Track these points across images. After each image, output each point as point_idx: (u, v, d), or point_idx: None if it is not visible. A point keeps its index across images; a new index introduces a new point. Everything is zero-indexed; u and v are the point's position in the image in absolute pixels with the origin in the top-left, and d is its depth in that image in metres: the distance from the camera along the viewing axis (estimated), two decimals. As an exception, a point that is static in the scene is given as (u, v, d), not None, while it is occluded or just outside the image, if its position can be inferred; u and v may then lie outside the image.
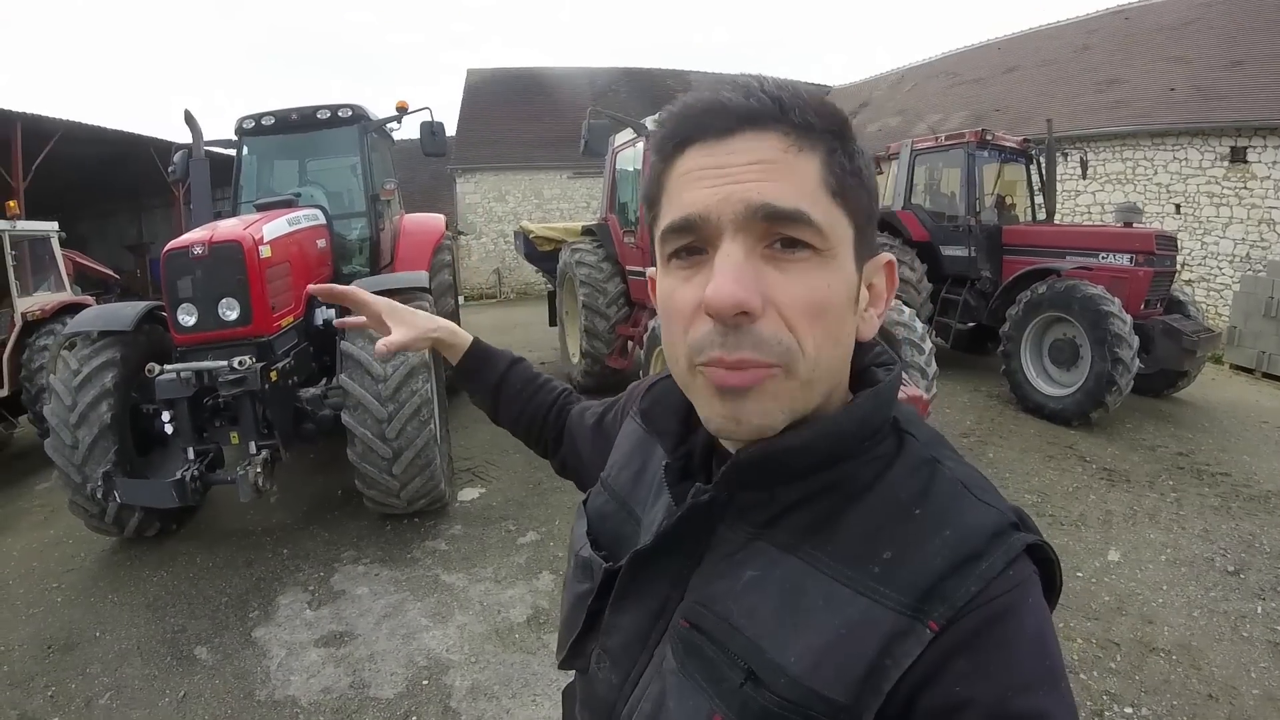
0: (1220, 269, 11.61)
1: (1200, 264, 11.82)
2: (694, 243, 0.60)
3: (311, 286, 1.30)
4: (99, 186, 17.08)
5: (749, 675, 0.58)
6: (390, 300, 1.22)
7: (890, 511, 0.60)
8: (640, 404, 0.86)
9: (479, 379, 1.21)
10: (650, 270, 0.72)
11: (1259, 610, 3.68)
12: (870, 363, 0.70)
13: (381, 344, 1.17)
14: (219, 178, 6.26)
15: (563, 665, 0.80)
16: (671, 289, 0.63)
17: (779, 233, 0.58)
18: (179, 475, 3.90)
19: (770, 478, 0.63)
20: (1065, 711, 0.53)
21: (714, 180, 0.58)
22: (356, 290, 1.22)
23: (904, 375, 4.14)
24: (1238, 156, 11.19)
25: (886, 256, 0.68)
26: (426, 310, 4.64)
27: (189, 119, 5.31)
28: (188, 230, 4.59)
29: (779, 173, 0.58)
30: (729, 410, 0.60)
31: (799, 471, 0.62)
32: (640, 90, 21.65)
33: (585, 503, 0.87)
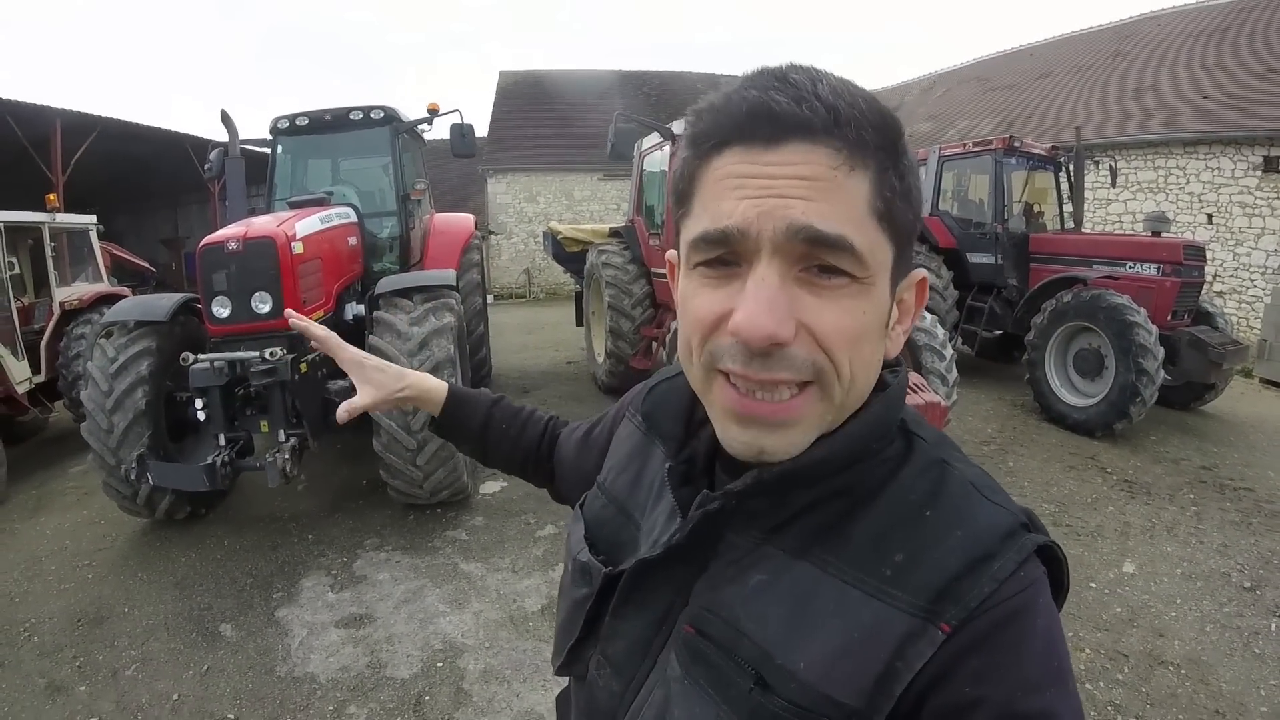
0: (1253, 281, 11.40)
1: (1232, 275, 11.63)
2: (726, 255, 0.57)
3: (291, 320, 1.17)
4: (136, 182, 17.49)
5: (758, 681, 0.57)
6: (359, 353, 1.13)
7: (901, 514, 0.59)
8: (641, 406, 0.85)
9: (463, 429, 1.14)
10: (670, 253, 0.71)
11: (1273, 627, 3.64)
12: None
13: (343, 409, 1.10)
14: (253, 175, 6.43)
15: (559, 671, 0.79)
16: (694, 293, 0.60)
17: (818, 257, 0.55)
18: (210, 460, 4.03)
19: (788, 490, 0.62)
20: (1072, 711, 0.53)
21: (755, 191, 0.55)
22: (330, 336, 1.14)
23: (923, 382, 4.12)
24: (1271, 166, 10.97)
25: (920, 273, 0.66)
26: (450, 307, 4.70)
27: (225, 118, 5.46)
28: (222, 226, 4.73)
29: (826, 193, 0.54)
30: (751, 438, 0.59)
31: (812, 480, 0.62)
32: (671, 94, 21.71)
33: (582, 506, 0.85)
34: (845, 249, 0.54)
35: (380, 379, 1.11)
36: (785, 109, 0.54)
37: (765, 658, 0.58)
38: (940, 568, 0.55)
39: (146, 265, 12.62)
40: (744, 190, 0.55)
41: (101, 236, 8.47)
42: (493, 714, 2.99)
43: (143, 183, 17.84)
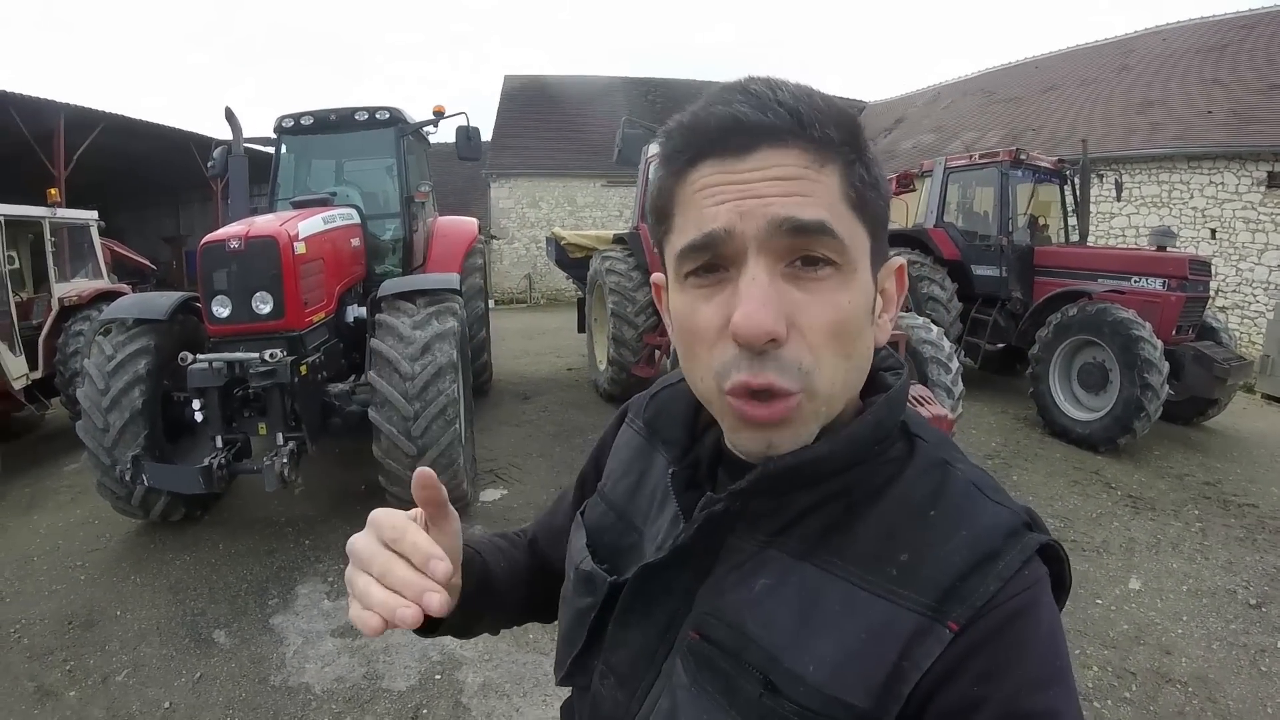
0: (1255, 296, 11.37)
1: (1235, 291, 11.59)
2: (713, 260, 0.59)
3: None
4: (138, 179, 17.51)
5: (767, 685, 0.57)
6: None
7: (905, 514, 0.60)
8: (644, 413, 0.84)
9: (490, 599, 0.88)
10: (656, 276, 0.71)
11: (1279, 645, 3.61)
12: (879, 368, 0.70)
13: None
14: (256, 175, 6.39)
15: (561, 682, 0.78)
16: (691, 308, 0.61)
17: (801, 249, 0.57)
18: (206, 462, 3.99)
19: (791, 487, 0.62)
20: (1073, 709, 0.53)
21: (734, 195, 0.57)
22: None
23: (929, 394, 4.10)
24: (1275, 181, 10.96)
25: (898, 261, 0.68)
26: (453, 311, 4.62)
27: (229, 116, 5.44)
28: (224, 225, 4.69)
29: (801, 189, 0.57)
30: (762, 437, 0.60)
31: (815, 479, 0.62)
32: (675, 101, 21.63)
33: (583, 514, 0.83)
34: (826, 233, 0.56)
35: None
36: (752, 118, 0.57)
37: (773, 661, 0.58)
38: (946, 566, 0.56)
39: (147, 263, 12.60)
40: (723, 196, 0.58)
41: (102, 233, 8.45)
42: (491, 728, 2.93)
43: (145, 180, 17.85)
